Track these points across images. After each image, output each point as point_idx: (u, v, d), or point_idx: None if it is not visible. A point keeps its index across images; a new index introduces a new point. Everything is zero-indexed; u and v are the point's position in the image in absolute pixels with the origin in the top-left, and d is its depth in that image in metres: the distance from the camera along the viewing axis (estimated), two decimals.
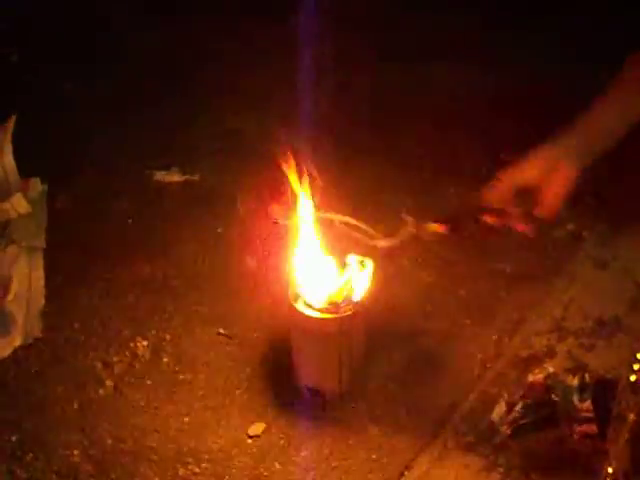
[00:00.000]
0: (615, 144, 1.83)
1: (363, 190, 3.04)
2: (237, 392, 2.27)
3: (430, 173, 3.17)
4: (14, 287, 2.59)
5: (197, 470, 2.04)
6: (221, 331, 2.48)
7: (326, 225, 2.15)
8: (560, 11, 4.10)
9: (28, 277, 2.66)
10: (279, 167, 2.04)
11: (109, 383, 2.30)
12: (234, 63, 3.93)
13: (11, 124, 3.22)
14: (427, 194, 3.05)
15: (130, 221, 3.00)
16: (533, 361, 2.28)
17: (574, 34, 4.01)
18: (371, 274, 2.12)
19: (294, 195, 2.09)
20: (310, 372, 2.23)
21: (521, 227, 1.87)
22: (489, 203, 1.88)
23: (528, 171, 1.84)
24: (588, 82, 3.59)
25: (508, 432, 2.04)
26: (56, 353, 2.41)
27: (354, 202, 2.91)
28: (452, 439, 2.07)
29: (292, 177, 2.06)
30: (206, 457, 2.07)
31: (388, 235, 2.04)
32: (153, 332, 2.48)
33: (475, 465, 1.99)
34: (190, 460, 2.06)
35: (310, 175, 2.07)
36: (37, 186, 3.10)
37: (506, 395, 2.14)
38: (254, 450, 2.09)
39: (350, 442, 2.10)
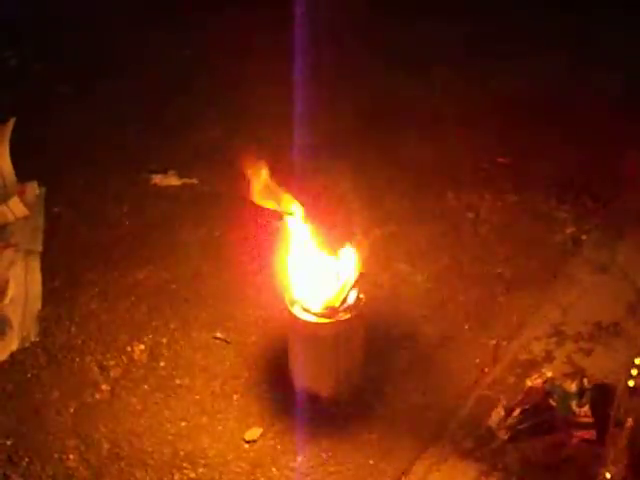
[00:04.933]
0: None
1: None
2: (234, 397, 2.26)
3: (428, 175, 3.16)
4: (10, 291, 2.59)
5: (193, 475, 2.03)
6: (218, 335, 2.47)
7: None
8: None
9: (25, 281, 2.65)
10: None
11: (105, 387, 2.29)
12: (234, 68, 3.94)
13: (9, 128, 3.22)
14: (424, 196, 3.05)
15: (127, 224, 2.99)
16: (531, 366, 2.27)
17: (573, 37, 4.03)
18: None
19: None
20: (307, 376, 2.21)
21: None
22: None
23: None
24: (583, 87, 3.64)
25: (506, 437, 2.03)
26: (52, 357, 2.40)
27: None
28: (450, 444, 2.05)
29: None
30: (202, 462, 2.06)
31: None
32: (150, 336, 2.47)
33: (473, 470, 1.98)
34: (186, 465, 2.05)
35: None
36: (34, 190, 3.10)
37: (504, 400, 2.13)
38: (251, 455, 2.08)
39: (347, 447, 2.09)
